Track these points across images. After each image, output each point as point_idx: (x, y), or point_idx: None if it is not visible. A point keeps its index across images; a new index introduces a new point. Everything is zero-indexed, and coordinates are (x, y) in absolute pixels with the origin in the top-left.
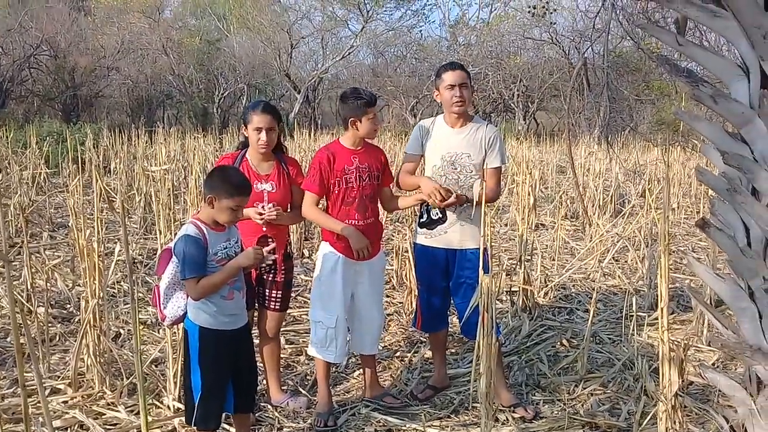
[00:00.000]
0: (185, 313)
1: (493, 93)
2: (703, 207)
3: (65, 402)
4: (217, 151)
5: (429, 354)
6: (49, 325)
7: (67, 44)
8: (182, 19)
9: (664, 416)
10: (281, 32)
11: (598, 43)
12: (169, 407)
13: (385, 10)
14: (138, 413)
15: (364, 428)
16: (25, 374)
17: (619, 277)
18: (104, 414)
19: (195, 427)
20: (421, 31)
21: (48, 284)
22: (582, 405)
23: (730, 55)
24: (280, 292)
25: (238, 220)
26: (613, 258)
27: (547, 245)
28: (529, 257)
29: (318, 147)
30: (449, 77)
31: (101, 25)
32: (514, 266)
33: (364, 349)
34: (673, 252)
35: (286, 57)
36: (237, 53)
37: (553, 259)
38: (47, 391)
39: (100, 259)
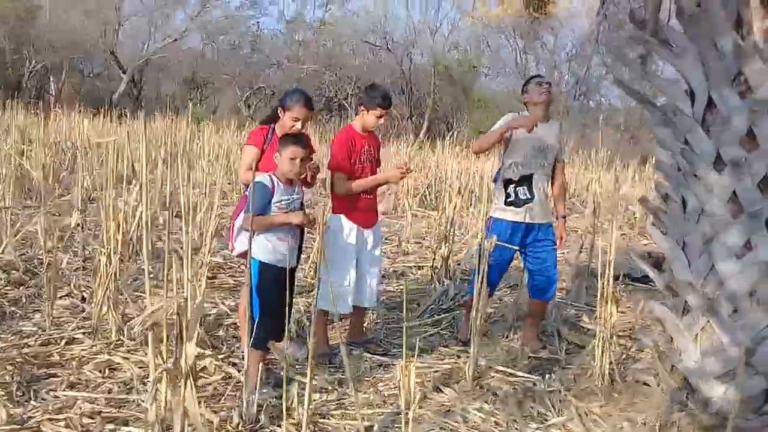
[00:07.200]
0: (247, 250)
1: (329, 91)
2: None
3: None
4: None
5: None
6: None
7: None
8: None
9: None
10: (108, 8)
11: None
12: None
13: None
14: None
15: (358, 364)
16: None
17: None
18: (129, 359)
19: (254, 348)
20: (258, 22)
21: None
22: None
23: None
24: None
25: (296, 171)
26: None
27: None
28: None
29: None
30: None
31: None
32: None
33: (364, 302)
34: None
35: (113, 34)
36: (56, 25)
37: None
38: (65, 342)
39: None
